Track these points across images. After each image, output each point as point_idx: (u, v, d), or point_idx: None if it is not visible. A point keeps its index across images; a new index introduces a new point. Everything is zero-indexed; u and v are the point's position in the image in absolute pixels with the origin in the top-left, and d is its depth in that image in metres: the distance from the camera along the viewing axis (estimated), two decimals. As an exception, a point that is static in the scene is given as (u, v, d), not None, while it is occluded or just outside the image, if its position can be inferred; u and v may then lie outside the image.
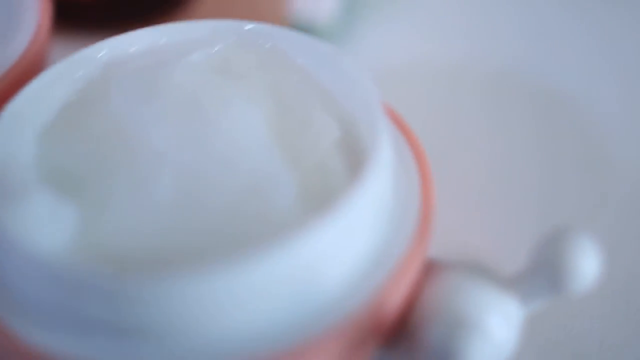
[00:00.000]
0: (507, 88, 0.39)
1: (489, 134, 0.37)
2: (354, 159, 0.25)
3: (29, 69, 0.30)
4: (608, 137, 0.37)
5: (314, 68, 0.27)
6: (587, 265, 0.24)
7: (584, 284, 0.24)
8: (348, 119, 0.26)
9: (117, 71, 0.27)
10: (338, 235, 0.23)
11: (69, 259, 0.23)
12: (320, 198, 0.24)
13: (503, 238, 0.33)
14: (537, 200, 0.35)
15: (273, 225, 0.23)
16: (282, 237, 0.22)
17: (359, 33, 0.42)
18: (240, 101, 0.26)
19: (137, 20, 0.36)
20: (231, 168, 0.24)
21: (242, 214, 0.23)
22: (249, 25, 0.28)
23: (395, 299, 0.23)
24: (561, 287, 0.24)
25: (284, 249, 0.22)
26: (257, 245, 0.22)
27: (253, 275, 0.22)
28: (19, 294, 0.23)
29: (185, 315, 0.22)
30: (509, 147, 0.37)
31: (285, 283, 0.22)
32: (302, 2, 0.39)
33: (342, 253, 0.23)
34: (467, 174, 0.35)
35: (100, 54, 0.28)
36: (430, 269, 0.25)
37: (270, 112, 0.26)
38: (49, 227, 0.23)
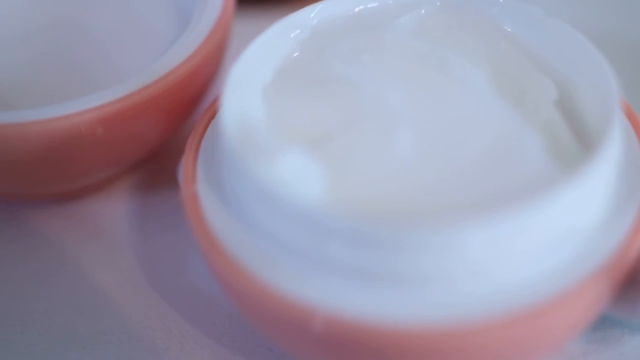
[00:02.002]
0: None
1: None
2: (576, 119, 0.26)
3: (219, 43, 0.32)
4: None
5: (523, 32, 0.28)
6: None
7: None
8: (562, 82, 0.27)
9: (330, 34, 0.28)
10: (588, 190, 0.24)
11: (330, 208, 0.24)
12: (558, 153, 0.25)
13: None
14: None
15: (527, 178, 0.24)
16: (544, 190, 0.23)
17: None
18: (461, 63, 0.27)
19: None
20: (471, 126, 0.26)
21: (493, 169, 0.25)
22: None
23: (636, 248, 0.25)
24: None
25: (548, 200, 0.23)
26: (523, 199, 0.23)
27: (522, 224, 0.23)
28: (279, 246, 0.24)
29: (462, 263, 0.23)
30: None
31: (549, 231, 0.24)
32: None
33: (590, 207, 0.25)
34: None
35: (311, 17, 0.29)
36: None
37: (489, 74, 0.27)
38: (303, 181, 0.24)
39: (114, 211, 0.33)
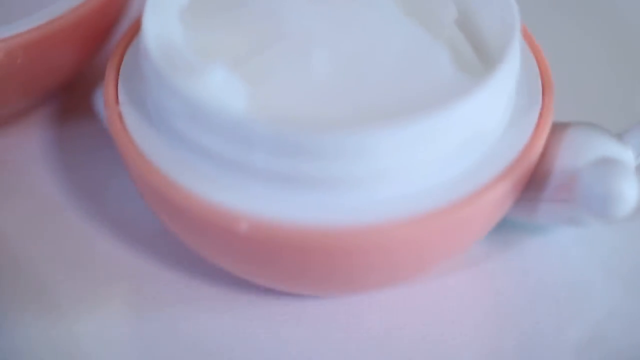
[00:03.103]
0: None
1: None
2: (477, 38, 0.28)
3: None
4: None
5: None
6: None
7: None
8: (464, 3, 0.29)
9: None
10: (493, 98, 0.26)
11: (253, 117, 0.25)
12: (462, 66, 0.27)
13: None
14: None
15: (437, 87, 0.26)
16: (450, 97, 0.25)
17: None
18: None
19: None
20: (382, 43, 0.27)
21: (404, 80, 0.27)
22: None
23: (538, 149, 0.27)
24: None
25: (454, 107, 0.25)
26: (430, 105, 0.25)
27: (430, 130, 0.25)
28: (204, 158, 0.26)
29: (373, 168, 0.25)
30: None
31: (455, 137, 0.26)
32: None
33: (494, 114, 0.27)
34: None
35: None
36: (556, 130, 0.28)
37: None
38: (227, 95, 0.26)
39: (29, 143, 0.34)
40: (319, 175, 0.25)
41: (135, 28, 0.30)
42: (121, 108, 0.28)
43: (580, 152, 0.28)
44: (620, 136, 0.29)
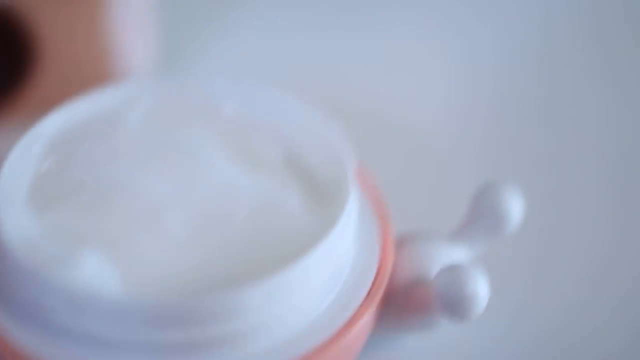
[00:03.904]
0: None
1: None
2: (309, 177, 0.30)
3: None
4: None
5: (245, 107, 0.31)
6: (516, 210, 0.31)
7: (514, 226, 0.31)
8: (292, 145, 0.31)
9: (67, 142, 0.30)
10: (344, 231, 0.28)
11: (132, 296, 0.26)
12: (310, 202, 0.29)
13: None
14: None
15: (292, 232, 0.28)
16: (309, 242, 0.27)
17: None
18: (199, 144, 0.30)
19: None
20: (230, 198, 0.29)
21: (260, 230, 0.28)
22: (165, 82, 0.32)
23: (389, 267, 0.29)
24: (498, 231, 0.31)
25: (316, 250, 0.27)
26: (292, 254, 0.26)
27: (299, 273, 0.26)
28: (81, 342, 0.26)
29: (246, 323, 0.26)
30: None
31: (318, 275, 0.27)
32: (123, 55, 0.40)
33: (346, 244, 0.29)
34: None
35: (46, 128, 0.30)
36: (397, 247, 0.30)
37: (225, 149, 0.30)
38: (102, 281, 0.26)
39: None
40: (201, 338, 0.26)
41: None
42: None
43: (424, 264, 0.30)
44: (450, 237, 0.31)
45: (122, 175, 0.29)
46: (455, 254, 0.31)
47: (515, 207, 0.30)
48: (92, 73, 0.38)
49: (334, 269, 0.28)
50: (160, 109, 0.31)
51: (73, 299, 0.26)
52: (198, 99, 0.31)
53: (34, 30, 0.37)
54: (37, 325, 0.27)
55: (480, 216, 0.31)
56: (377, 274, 0.29)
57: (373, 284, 0.28)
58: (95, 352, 0.26)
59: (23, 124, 0.31)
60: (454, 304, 0.28)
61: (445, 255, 0.30)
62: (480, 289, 0.28)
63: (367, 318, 0.28)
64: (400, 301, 0.29)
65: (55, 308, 0.26)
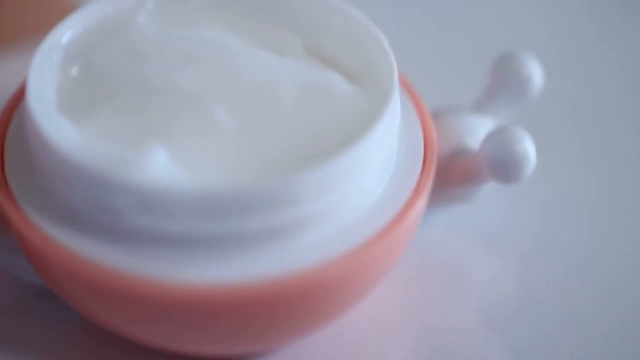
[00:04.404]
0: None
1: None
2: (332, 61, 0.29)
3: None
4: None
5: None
6: (537, 74, 0.31)
7: (537, 91, 0.31)
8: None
9: (88, 47, 0.29)
10: (394, 113, 0.27)
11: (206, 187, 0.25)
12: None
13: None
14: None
15: (343, 113, 0.27)
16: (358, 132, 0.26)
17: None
18: (224, 38, 0.29)
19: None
20: (274, 85, 0.28)
21: (310, 114, 0.27)
22: None
23: (434, 144, 0.29)
24: (522, 97, 0.31)
25: (371, 132, 0.26)
26: (344, 142, 0.26)
27: (355, 159, 0.26)
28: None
29: (302, 213, 0.25)
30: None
31: (376, 159, 0.27)
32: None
33: (395, 127, 0.28)
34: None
35: (63, 36, 0.29)
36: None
37: (249, 42, 0.29)
38: (169, 174, 0.25)
39: None
40: (259, 228, 0.25)
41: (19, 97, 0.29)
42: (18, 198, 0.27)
43: (458, 136, 0.30)
44: (475, 109, 0.32)
45: (156, 74, 0.28)
46: (487, 123, 0.31)
47: (536, 71, 0.31)
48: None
49: (390, 149, 0.27)
50: (167, 8, 0.30)
51: (148, 198, 0.25)
52: None
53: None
54: (101, 232, 0.26)
55: (504, 85, 0.31)
56: (426, 150, 0.28)
57: (424, 160, 0.28)
58: (166, 250, 0.25)
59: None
60: (506, 164, 0.28)
61: (478, 125, 0.31)
62: (529, 148, 0.28)
63: (425, 195, 0.27)
64: (442, 174, 0.29)
65: (124, 210, 0.25)
